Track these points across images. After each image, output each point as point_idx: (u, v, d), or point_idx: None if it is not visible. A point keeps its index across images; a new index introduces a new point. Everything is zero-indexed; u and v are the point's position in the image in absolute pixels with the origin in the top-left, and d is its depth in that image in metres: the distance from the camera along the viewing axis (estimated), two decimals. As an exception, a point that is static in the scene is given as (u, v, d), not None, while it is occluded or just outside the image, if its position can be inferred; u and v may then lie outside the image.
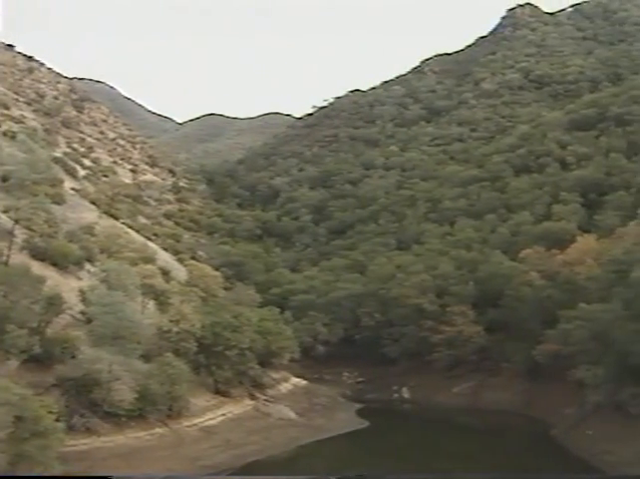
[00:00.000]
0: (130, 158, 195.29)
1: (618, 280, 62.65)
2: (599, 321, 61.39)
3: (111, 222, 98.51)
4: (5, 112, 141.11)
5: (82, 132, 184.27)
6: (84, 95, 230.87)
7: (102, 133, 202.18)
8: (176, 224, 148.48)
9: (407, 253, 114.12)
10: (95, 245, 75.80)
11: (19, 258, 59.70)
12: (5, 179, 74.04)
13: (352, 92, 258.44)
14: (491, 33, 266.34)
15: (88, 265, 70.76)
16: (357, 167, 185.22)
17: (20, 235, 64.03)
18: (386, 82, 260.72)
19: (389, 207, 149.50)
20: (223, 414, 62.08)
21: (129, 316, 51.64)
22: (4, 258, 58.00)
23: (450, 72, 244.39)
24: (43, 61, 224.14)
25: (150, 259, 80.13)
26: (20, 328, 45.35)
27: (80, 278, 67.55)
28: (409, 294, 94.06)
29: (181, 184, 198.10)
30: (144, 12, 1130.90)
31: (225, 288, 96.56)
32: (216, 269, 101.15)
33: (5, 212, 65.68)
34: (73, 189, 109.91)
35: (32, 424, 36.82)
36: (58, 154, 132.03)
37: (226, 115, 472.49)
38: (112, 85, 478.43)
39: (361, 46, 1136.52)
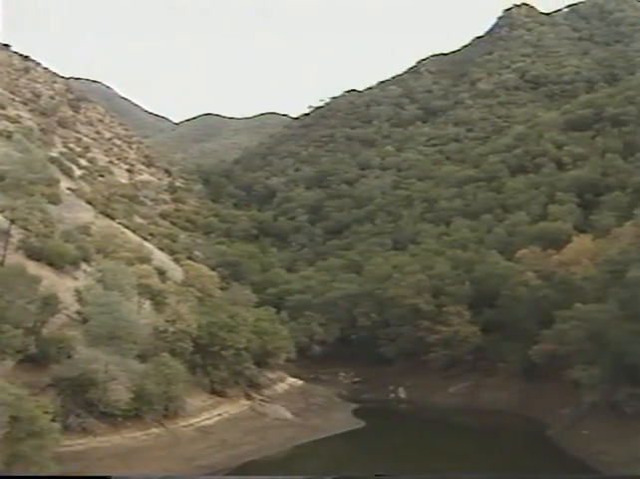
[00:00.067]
0: (126, 158, 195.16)
1: (614, 281, 62.81)
2: (595, 321, 61.49)
3: (107, 221, 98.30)
4: (1, 111, 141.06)
5: (78, 132, 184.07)
6: (80, 95, 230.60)
7: (98, 133, 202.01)
8: (173, 223, 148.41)
9: (403, 254, 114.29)
10: (91, 245, 75.65)
11: (15, 258, 59.61)
12: (1, 178, 73.84)
13: (348, 92, 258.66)
14: (488, 33, 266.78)
15: (84, 265, 70.59)
16: (353, 167, 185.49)
17: (16, 234, 63.89)
18: (382, 82, 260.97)
19: (385, 207, 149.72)
20: (219, 414, 62.06)
21: (125, 316, 51.59)
22: (0, 258, 57.91)
23: (446, 72, 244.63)
24: (39, 61, 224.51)
25: (146, 259, 79.98)
26: (16, 328, 45.20)
27: (76, 278, 67.41)
28: (405, 294, 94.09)
29: (178, 184, 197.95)
30: (139, 12, 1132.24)
31: (222, 288, 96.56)
32: (213, 269, 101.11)
33: (1, 211, 65.44)
34: (69, 188, 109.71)
35: (28, 424, 36.76)
36: (54, 153, 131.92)
37: (223, 115, 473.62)
38: (108, 85, 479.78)
39: (357, 46, 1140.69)
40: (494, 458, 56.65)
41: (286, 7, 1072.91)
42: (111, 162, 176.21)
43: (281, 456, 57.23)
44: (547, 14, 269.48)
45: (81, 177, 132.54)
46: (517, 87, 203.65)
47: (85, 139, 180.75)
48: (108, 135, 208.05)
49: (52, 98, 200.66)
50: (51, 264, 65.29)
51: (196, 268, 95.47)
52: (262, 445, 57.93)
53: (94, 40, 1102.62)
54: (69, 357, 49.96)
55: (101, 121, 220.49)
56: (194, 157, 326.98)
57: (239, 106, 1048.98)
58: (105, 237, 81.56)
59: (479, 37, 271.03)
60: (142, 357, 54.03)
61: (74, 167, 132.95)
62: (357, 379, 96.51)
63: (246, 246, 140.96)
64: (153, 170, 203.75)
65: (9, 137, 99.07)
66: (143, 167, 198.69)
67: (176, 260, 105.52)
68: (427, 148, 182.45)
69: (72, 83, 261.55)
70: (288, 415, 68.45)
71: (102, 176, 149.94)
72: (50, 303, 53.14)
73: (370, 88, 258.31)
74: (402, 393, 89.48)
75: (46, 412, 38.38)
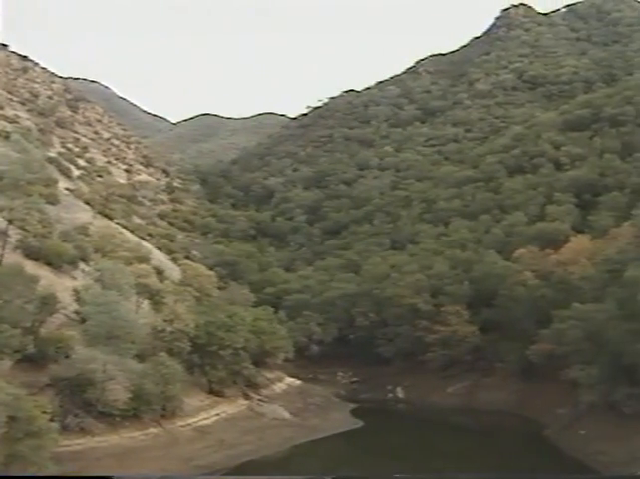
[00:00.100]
0: (124, 157, 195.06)
1: (612, 281, 62.83)
2: (593, 321, 61.51)
3: (105, 221, 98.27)
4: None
5: (76, 131, 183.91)
6: (78, 94, 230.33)
7: (96, 132, 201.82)
8: (171, 223, 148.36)
9: (401, 254, 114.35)
10: (89, 245, 75.57)
11: (13, 258, 59.55)
12: (-1, 178, 73.72)
13: (346, 92, 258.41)
14: (486, 33, 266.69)
15: (82, 265, 70.56)
16: (351, 167, 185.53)
17: (14, 234, 63.81)
18: (380, 82, 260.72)
19: (383, 207, 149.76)
20: (217, 414, 62.01)
21: (123, 316, 51.54)
22: (-3, 258, 57.87)
23: (444, 72, 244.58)
24: (37, 60, 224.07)
25: (144, 259, 79.93)
26: (13, 328, 45.09)
27: (74, 278, 67.38)
28: (403, 295, 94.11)
29: (176, 183, 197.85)
30: (137, 13, 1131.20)
31: (220, 288, 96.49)
32: (211, 269, 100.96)
33: (-1, 211, 65.43)
34: (67, 188, 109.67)
35: (26, 424, 36.70)
36: (52, 153, 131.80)
37: (221, 115, 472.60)
38: (106, 84, 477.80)
39: (355, 46, 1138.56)
40: (492, 458, 56.66)
41: (284, 7, 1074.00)
42: (109, 161, 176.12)
43: (279, 456, 57.23)
44: (545, 14, 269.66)
45: (79, 176, 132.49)
46: (515, 87, 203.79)
47: (83, 139, 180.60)
48: (106, 135, 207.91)
49: (50, 98, 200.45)
50: (49, 264, 65.27)
51: (194, 268, 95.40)
52: (260, 445, 57.90)
53: (92, 40, 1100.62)
54: (67, 357, 49.92)
55: (99, 121, 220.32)
56: (192, 157, 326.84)
57: (237, 106, 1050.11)
58: (103, 236, 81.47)
59: (477, 37, 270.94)
60: (139, 357, 53.95)
61: (72, 167, 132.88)
62: (355, 379, 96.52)
63: (244, 246, 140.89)
64: (151, 170, 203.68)
65: (7, 137, 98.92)
66: (141, 166, 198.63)
67: (174, 260, 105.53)
68: (425, 148, 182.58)
69: (70, 83, 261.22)
70: (286, 415, 68.43)
71: (100, 175, 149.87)
72: (48, 303, 53.10)
73: (368, 88, 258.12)
74: (400, 393, 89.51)
75: (44, 412, 38.31)
